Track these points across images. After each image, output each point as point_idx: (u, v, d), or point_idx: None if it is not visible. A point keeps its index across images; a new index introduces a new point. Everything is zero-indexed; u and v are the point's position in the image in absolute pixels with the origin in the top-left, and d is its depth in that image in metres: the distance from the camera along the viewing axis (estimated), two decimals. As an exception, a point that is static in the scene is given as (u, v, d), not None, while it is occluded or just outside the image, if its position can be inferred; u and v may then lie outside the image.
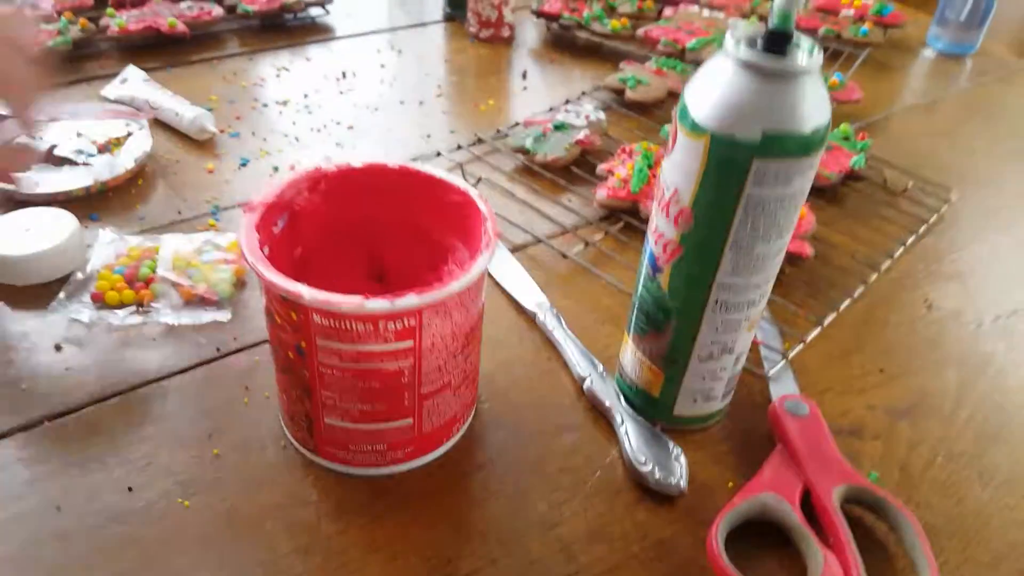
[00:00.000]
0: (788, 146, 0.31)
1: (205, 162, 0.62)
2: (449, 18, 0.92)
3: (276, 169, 0.62)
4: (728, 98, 0.31)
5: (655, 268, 0.37)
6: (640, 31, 0.84)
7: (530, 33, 0.90)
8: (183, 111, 0.65)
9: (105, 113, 0.63)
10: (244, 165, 0.62)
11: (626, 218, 0.58)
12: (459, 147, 0.66)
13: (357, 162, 0.40)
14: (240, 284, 0.50)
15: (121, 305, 0.47)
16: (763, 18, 0.89)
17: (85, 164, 0.57)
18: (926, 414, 0.44)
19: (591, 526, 0.37)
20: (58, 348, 0.44)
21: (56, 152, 0.58)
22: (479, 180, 0.61)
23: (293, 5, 0.84)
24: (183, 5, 0.82)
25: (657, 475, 0.38)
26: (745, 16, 0.89)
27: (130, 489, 0.37)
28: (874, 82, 0.82)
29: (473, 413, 0.42)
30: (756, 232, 0.34)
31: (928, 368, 0.48)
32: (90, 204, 0.56)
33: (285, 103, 0.71)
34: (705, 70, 0.33)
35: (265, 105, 0.71)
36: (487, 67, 0.82)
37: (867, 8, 0.90)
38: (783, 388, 0.44)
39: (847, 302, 0.51)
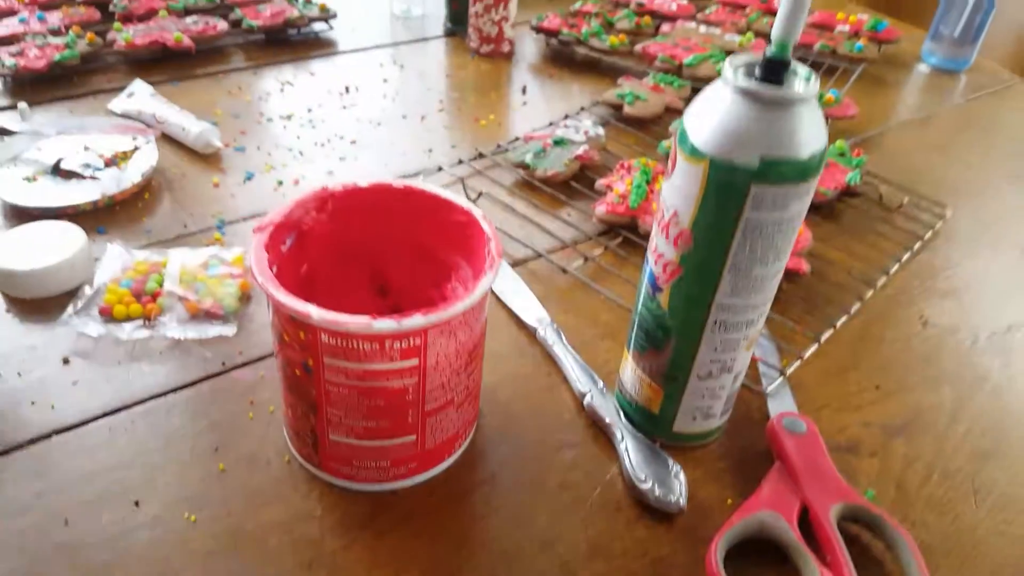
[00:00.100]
0: (786, 172, 0.32)
1: (211, 176, 0.63)
2: (450, 33, 0.93)
3: (280, 183, 0.63)
4: (727, 124, 0.32)
5: (655, 287, 0.38)
6: (638, 47, 0.85)
7: (530, 49, 0.91)
8: (189, 125, 0.65)
9: (112, 128, 0.64)
10: (249, 179, 0.63)
11: (625, 233, 0.58)
12: (460, 161, 0.66)
13: (363, 182, 0.41)
14: (246, 298, 0.50)
15: (128, 319, 0.47)
16: (759, 34, 0.90)
17: (92, 178, 0.58)
18: (922, 431, 0.45)
19: (591, 543, 0.38)
20: (66, 361, 0.45)
21: (63, 166, 0.59)
22: (480, 195, 0.62)
23: (297, 20, 0.85)
24: (189, 20, 0.83)
25: (657, 492, 0.39)
26: (741, 32, 0.90)
27: (137, 503, 0.38)
28: (869, 98, 0.83)
29: (475, 428, 0.43)
30: (754, 255, 0.34)
31: (923, 385, 0.48)
32: (97, 218, 0.57)
33: (289, 117, 0.72)
34: (705, 96, 0.34)
35: (269, 119, 0.72)
36: (488, 82, 0.83)
37: (862, 24, 0.91)
38: (781, 404, 0.45)
39: (843, 319, 0.52)
